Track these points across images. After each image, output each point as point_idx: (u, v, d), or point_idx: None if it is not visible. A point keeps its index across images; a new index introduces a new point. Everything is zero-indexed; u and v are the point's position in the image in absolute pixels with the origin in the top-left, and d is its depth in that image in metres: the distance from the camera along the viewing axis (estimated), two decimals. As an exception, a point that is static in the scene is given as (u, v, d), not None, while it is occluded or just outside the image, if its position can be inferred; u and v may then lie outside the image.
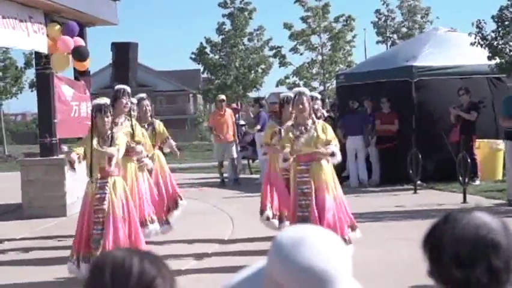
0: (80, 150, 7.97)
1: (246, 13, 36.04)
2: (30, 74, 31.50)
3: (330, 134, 8.54)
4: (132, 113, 9.57)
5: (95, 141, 7.93)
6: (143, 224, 8.96)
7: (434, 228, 1.90)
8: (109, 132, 8.01)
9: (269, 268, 1.83)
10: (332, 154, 8.42)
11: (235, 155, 17.34)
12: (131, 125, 9.19)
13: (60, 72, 13.48)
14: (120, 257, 1.84)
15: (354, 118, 15.92)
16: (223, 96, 18.58)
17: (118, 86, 9.61)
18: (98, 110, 7.97)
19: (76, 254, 7.95)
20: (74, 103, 13.86)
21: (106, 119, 7.94)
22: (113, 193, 7.90)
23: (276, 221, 9.77)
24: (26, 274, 8.57)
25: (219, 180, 17.60)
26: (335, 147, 8.46)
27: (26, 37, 12.05)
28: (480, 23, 13.73)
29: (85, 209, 8.05)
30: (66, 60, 13.03)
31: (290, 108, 9.18)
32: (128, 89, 9.59)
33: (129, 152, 8.80)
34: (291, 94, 9.99)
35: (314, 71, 34.84)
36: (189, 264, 8.60)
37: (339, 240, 1.85)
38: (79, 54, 13.11)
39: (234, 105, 18.93)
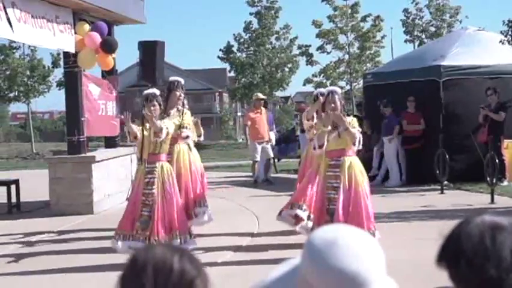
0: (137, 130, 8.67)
1: (272, 12, 36.04)
2: (58, 73, 31.84)
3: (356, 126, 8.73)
4: (185, 105, 10.12)
5: (145, 129, 8.57)
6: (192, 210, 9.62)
7: (449, 239, 1.89)
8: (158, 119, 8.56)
9: (302, 269, 1.82)
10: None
11: (271, 155, 17.29)
12: (182, 114, 9.74)
13: (89, 71, 13.54)
14: (161, 254, 1.84)
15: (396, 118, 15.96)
16: (261, 95, 18.56)
17: (171, 78, 10.19)
18: (145, 99, 8.57)
19: (119, 231, 8.56)
20: (101, 102, 13.96)
21: (152, 108, 8.48)
22: (161, 178, 8.49)
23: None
24: (53, 269, 8.65)
25: (246, 179, 17.58)
26: (357, 131, 8.62)
27: (52, 36, 12.13)
28: (510, 21, 13.63)
29: (135, 192, 8.66)
30: (92, 57, 13.08)
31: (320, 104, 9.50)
32: (182, 81, 10.15)
33: (176, 139, 9.48)
34: (324, 90, 10.37)
35: (341, 70, 34.71)
36: (214, 263, 8.60)
37: (372, 240, 1.83)
38: (108, 45, 13.15)
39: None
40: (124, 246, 8.46)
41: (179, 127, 9.56)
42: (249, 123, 17.06)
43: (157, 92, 8.73)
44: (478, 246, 1.81)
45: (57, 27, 12.23)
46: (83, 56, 12.95)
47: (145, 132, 8.60)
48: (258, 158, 17.03)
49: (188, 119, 9.91)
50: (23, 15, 11.06)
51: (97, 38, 13.03)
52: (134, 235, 8.47)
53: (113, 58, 14.55)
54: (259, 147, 16.91)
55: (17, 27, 10.77)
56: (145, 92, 8.69)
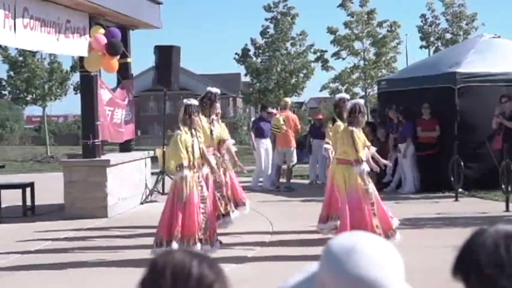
0: (185, 158, 9.03)
1: (289, 18, 36.04)
2: (76, 77, 31.90)
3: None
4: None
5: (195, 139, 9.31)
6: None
7: (463, 250, 1.89)
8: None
9: (320, 276, 1.83)
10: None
11: (294, 161, 17.29)
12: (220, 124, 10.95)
13: (94, 72, 13.44)
14: (180, 258, 1.86)
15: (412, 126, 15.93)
16: (289, 100, 18.61)
17: (213, 90, 10.97)
18: (196, 110, 9.35)
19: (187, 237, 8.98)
20: (108, 108, 13.85)
21: (197, 118, 9.48)
22: (195, 183, 9.09)
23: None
24: (67, 273, 8.69)
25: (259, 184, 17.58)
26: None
27: (66, 41, 12.14)
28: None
29: (192, 197, 9.02)
30: (97, 60, 13.05)
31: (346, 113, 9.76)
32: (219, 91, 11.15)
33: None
34: (345, 95, 11.31)
35: (356, 76, 34.65)
36: (229, 268, 8.62)
37: (391, 247, 1.84)
38: (112, 47, 13.14)
39: (272, 109, 18.48)
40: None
41: (220, 140, 10.79)
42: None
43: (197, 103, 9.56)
44: (493, 256, 1.81)
45: (66, 32, 12.21)
46: (88, 59, 12.96)
47: (194, 140, 9.19)
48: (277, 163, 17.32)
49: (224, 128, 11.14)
50: (32, 22, 11.04)
51: (103, 40, 13.02)
52: (196, 239, 8.96)
53: (129, 63, 14.60)
54: (283, 153, 17.14)
55: (20, 34, 10.75)
56: (193, 103, 9.35)
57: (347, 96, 11.43)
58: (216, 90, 11.01)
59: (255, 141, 17.26)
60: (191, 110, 9.21)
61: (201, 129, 10.08)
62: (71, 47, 12.49)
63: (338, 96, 11.50)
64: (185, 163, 8.97)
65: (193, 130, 9.27)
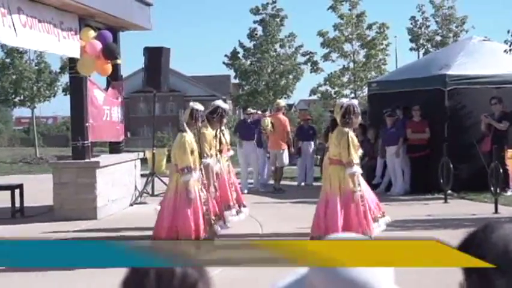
0: (192, 161, 9.32)
1: (277, 20, 36.04)
2: (65, 78, 31.72)
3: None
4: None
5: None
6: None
7: (472, 243, 1.87)
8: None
9: (310, 278, 1.83)
10: None
11: (285, 163, 17.29)
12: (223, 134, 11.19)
13: (89, 76, 13.49)
14: None
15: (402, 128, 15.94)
16: (283, 103, 18.66)
17: (223, 105, 11.12)
18: (201, 116, 9.82)
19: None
20: (106, 107, 14.01)
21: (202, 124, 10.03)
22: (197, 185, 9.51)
23: None
24: (58, 275, 8.66)
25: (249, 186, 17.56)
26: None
27: (58, 42, 12.13)
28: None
29: (196, 198, 9.35)
30: (91, 64, 13.06)
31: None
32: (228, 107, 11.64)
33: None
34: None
35: (345, 78, 34.64)
36: (218, 270, 8.60)
37: None
38: (109, 51, 13.14)
39: (252, 110, 18.15)
40: None
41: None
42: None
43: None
44: (500, 258, 1.81)
45: (62, 32, 12.24)
46: (82, 63, 12.95)
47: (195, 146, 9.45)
48: (272, 165, 17.53)
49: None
50: (29, 20, 11.04)
51: (98, 45, 13.02)
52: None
53: (119, 64, 14.58)
54: (274, 155, 17.25)
55: (21, 33, 10.75)
56: (199, 108, 9.76)
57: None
58: (225, 105, 11.26)
59: (238, 143, 17.31)
60: (197, 114, 9.66)
61: (206, 141, 10.40)
62: (67, 47, 12.47)
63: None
64: (192, 166, 9.22)
65: (196, 132, 9.68)
